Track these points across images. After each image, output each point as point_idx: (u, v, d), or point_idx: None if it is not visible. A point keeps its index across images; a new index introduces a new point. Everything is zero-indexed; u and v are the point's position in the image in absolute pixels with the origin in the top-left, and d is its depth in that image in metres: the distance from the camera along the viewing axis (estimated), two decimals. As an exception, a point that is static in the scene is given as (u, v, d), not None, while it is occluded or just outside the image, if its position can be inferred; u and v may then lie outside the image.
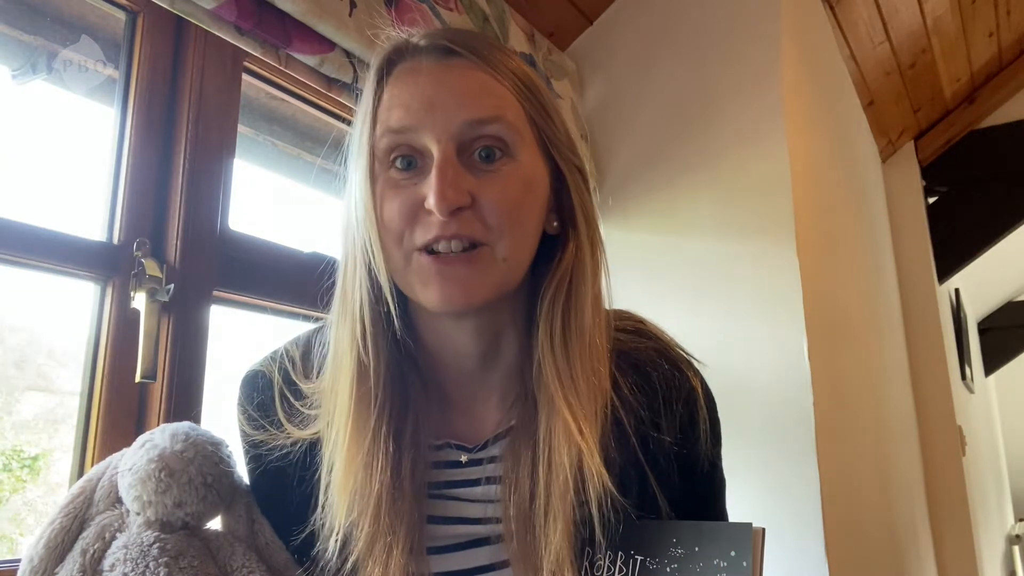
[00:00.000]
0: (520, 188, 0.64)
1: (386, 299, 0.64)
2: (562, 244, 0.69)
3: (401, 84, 0.65)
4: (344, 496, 0.64)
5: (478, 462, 0.70)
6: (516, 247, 0.64)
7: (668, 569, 0.59)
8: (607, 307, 0.71)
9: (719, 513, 0.76)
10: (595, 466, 0.62)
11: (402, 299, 0.67)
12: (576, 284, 0.67)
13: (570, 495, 0.63)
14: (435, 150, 0.62)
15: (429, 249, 0.63)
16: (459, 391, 0.72)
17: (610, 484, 0.62)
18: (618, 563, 0.62)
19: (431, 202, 0.61)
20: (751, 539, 0.58)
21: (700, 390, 0.72)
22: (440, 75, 0.64)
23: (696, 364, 0.74)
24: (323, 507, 0.65)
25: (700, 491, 0.72)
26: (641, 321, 0.75)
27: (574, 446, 0.63)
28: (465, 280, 0.62)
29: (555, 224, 0.69)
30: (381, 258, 0.63)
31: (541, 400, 0.66)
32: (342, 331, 0.67)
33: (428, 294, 0.63)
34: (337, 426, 0.65)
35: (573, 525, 0.63)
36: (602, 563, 0.62)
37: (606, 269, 0.71)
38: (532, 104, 0.67)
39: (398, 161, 0.64)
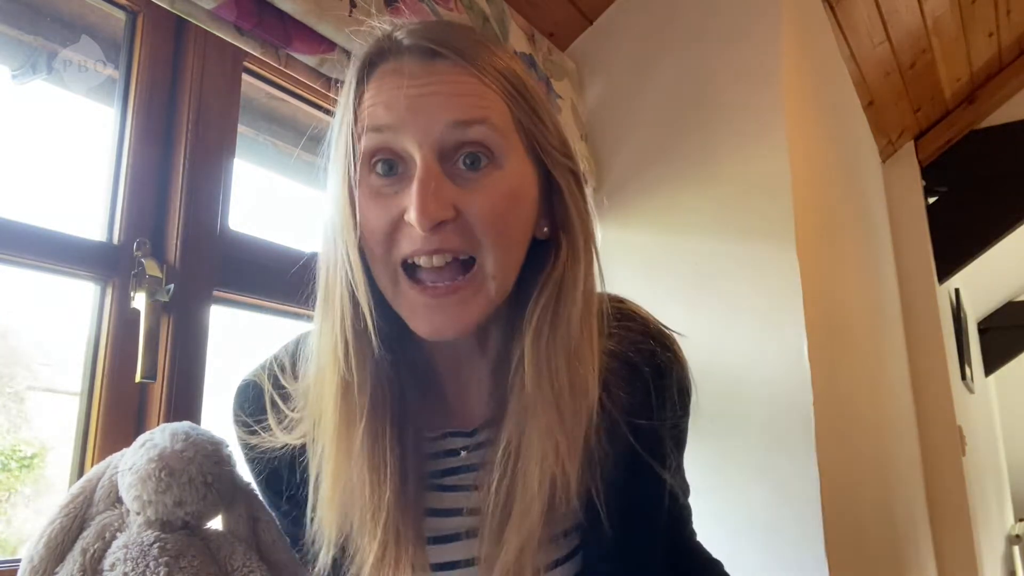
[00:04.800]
0: (506, 198, 0.61)
1: (365, 317, 0.61)
2: (554, 251, 0.66)
3: (383, 84, 0.62)
4: (333, 509, 0.63)
5: (474, 447, 0.70)
6: (503, 260, 0.62)
7: None
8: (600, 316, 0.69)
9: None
10: (568, 494, 0.63)
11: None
12: (566, 295, 0.65)
13: (535, 512, 0.63)
14: (417, 156, 0.60)
15: (413, 264, 0.61)
16: (452, 381, 0.72)
17: (579, 504, 0.64)
18: None
19: (412, 216, 0.58)
20: None
21: (684, 361, 0.74)
22: (423, 78, 0.61)
23: (675, 336, 0.74)
24: (311, 522, 0.65)
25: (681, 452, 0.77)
26: (620, 300, 0.74)
27: (548, 465, 0.62)
28: (454, 312, 0.61)
29: (545, 229, 0.67)
30: (361, 274, 0.61)
31: (517, 408, 0.65)
32: (324, 344, 0.65)
33: (417, 325, 0.62)
34: (323, 440, 0.64)
35: (539, 538, 0.63)
36: None
37: (601, 276, 0.69)
38: (520, 107, 0.64)
39: (379, 166, 0.61)
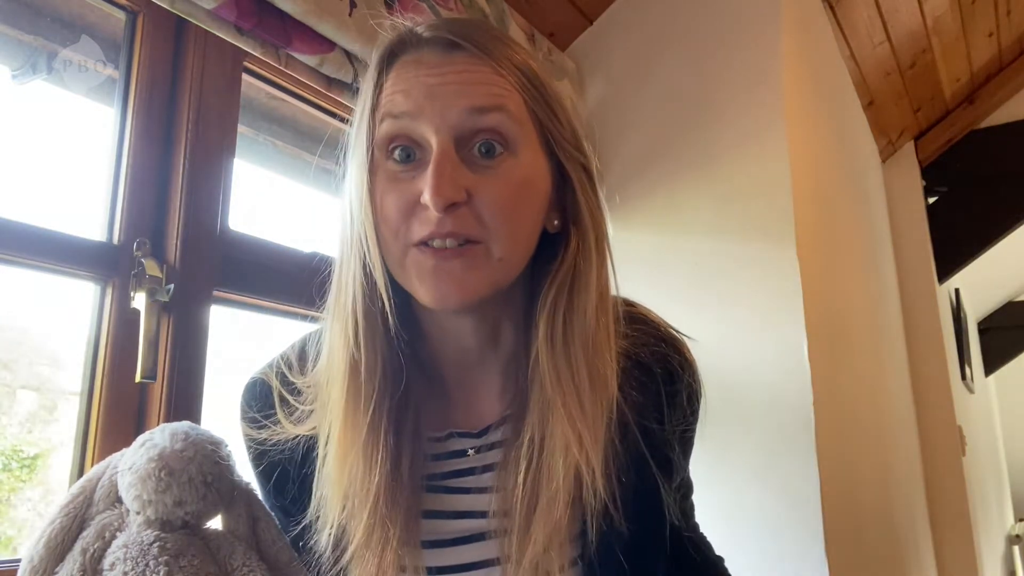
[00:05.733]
0: (518, 186, 0.63)
1: (381, 296, 0.63)
2: (564, 244, 0.67)
3: (402, 74, 0.64)
4: (338, 490, 0.64)
5: (482, 449, 0.70)
6: (511, 246, 0.63)
7: None
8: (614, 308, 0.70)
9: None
10: (594, 485, 0.63)
11: (403, 292, 0.66)
12: (579, 287, 0.66)
13: (560, 504, 0.63)
14: (434, 141, 0.61)
15: (424, 244, 0.62)
16: (460, 381, 0.72)
17: (604, 496, 0.63)
18: None
19: (426, 197, 0.60)
20: None
21: (695, 366, 0.74)
22: (441, 67, 0.63)
23: (685, 339, 0.75)
24: (318, 501, 0.66)
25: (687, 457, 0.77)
26: (631, 304, 0.75)
27: (571, 456, 0.63)
28: (460, 277, 0.61)
29: (556, 223, 0.68)
30: (377, 253, 0.63)
31: (539, 401, 0.65)
32: (335, 327, 0.66)
33: (423, 291, 0.63)
34: (330, 421, 0.65)
35: (565, 532, 0.64)
36: None
37: (613, 270, 0.69)
38: (535, 100, 0.65)
39: (397, 152, 0.63)
